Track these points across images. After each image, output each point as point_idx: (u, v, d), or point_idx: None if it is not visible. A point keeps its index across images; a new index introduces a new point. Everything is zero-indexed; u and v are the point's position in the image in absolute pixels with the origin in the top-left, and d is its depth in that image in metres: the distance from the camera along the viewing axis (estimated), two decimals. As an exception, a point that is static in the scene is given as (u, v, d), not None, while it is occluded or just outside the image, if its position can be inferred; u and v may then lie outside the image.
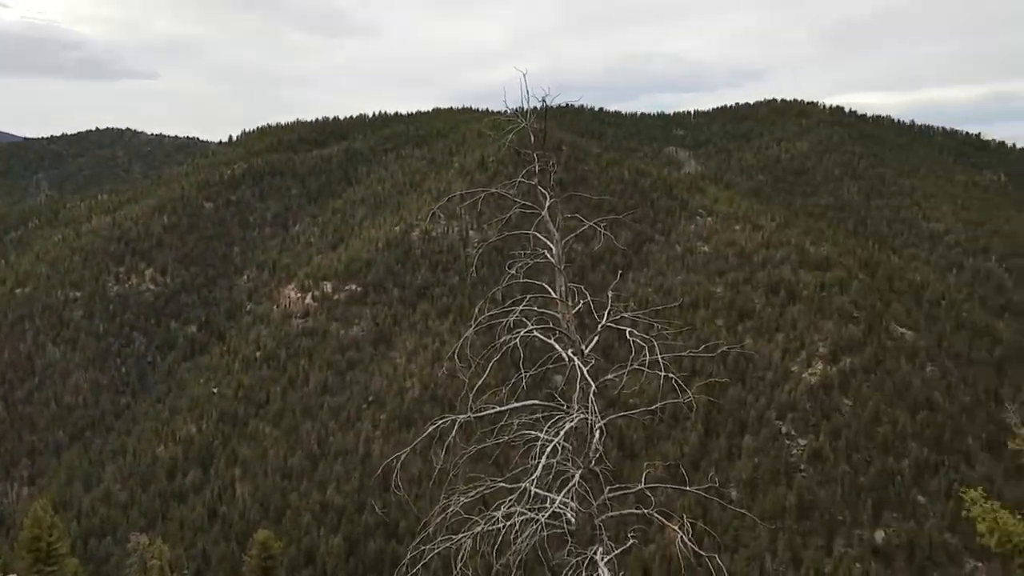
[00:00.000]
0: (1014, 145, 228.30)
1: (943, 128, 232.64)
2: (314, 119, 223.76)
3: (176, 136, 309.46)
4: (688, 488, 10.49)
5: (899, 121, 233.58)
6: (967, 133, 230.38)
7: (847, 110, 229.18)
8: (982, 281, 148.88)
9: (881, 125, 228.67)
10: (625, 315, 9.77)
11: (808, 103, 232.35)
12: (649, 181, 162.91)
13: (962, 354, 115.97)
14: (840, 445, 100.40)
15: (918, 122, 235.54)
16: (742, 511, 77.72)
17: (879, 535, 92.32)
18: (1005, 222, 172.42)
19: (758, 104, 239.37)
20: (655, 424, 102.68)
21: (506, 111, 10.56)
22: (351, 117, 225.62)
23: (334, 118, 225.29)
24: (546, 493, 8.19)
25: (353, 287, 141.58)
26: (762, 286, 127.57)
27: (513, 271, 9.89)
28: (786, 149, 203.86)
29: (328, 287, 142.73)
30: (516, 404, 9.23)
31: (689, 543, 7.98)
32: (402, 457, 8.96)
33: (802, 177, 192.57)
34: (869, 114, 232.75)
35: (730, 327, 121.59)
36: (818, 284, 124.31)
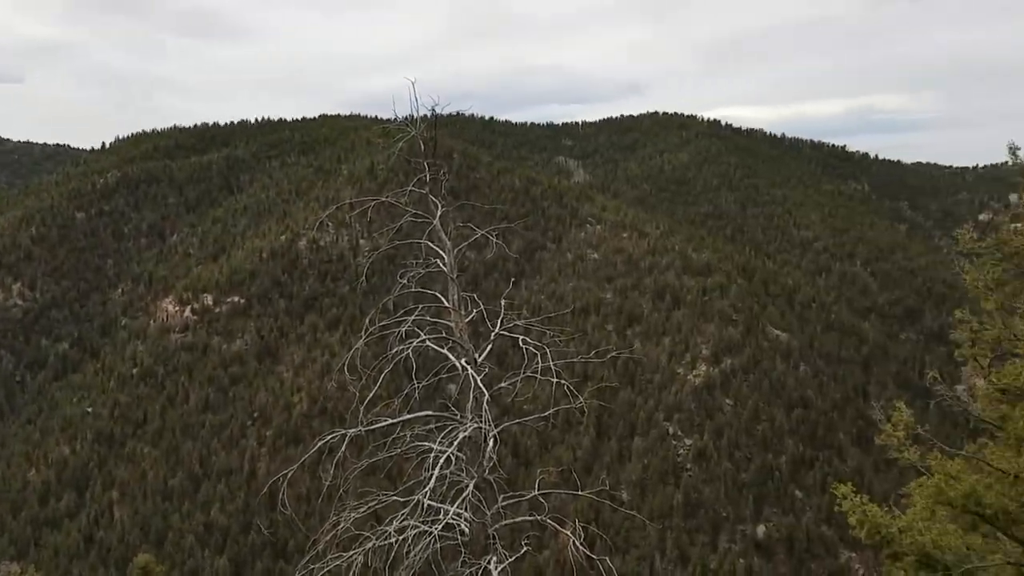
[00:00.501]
0: (876, 156, 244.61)
1: (811, 141, 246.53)
2: (193, 125, 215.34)
3: (45, 144, 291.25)
4: (580, 492, 10.58)
5: (771, 134, 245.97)
6: (833, 145, 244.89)
7: (724, 123, 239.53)
8: (848, 284, 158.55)
9: (754, 138, 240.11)
10: (518, 323, 9.79)
11: (688, 116, 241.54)
12: (540, 190, 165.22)
13: (832, 353, 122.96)
14: (723, 444, 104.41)
15: (788, 135, 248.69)
16: (632, 512, 79.56)
17: (760, 530, 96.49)
18: (868, 229, 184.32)
19: (642, 116, 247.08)
20: (549, 430, 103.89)
21: (395, 119, 10.40)
22: (232, 123, 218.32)
23: (214, 124, 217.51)
24: (440, 505, 8.07)
25: (236, 299, 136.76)
26: (649, 291, 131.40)
27: (404, 280, 9.75)
28: (668, 160, 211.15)
29: (209, 299, 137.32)
30: (408, 416, 9.08)
31: (581, 547, 8.02)
32: (288, 474, 8.65)
33: (683, 187, 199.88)
34: (744, 127, 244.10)
35: (620, 332, 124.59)
36: (700, 289, 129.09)
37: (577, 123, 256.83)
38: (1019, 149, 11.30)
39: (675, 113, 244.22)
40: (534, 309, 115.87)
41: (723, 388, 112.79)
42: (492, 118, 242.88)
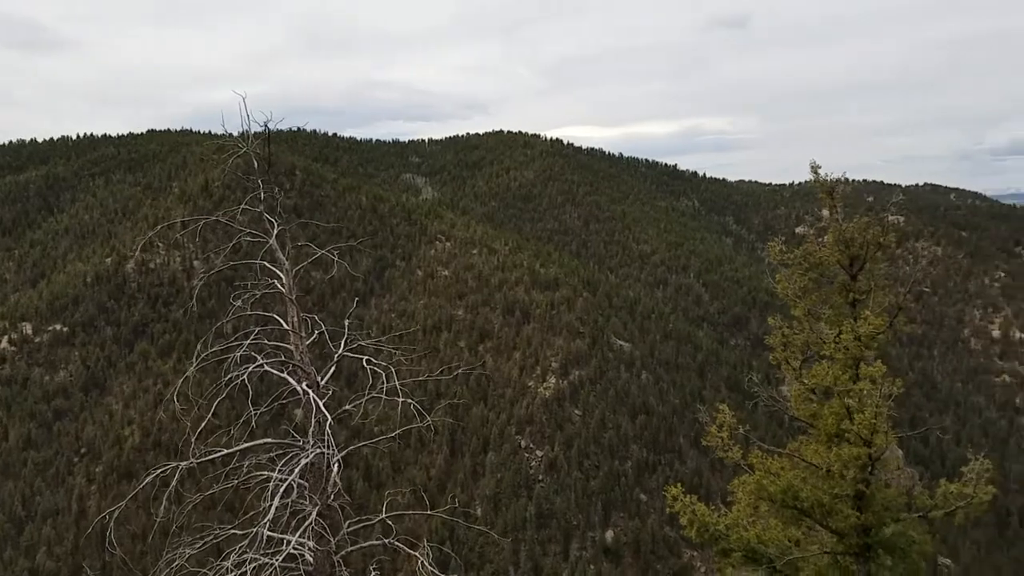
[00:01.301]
0: (704, 174, 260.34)
1: (646, 160, 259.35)
2: (7, 141, 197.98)
3: None
4: (430, 512, 10.54)
5: (610, 153, 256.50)
6: (666, 164, 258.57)
7: (566, 142, 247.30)
8: (684, 295, 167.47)
9: (595, 156, 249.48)
10: (362, 342, 9.66)
11: (532, 135, 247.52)
12: (388, 207, 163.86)
13: (671, 361, 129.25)
14: (573, 453, 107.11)
15: (626, 154, 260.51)
16: (484, 529, 79.90)
17: (609, 535, 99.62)
18: (700, 242, 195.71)
19: (487, 135, 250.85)
20: (401, 451, 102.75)
21: (228, 134, 10.04)
22: (52, 139, 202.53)
23: (31, 140, 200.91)
24: (281, 535, 7.80)
25: (58, 327, 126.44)
26: (499, 307, 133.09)
27: (239, 303, 9.40)
28: (514, 177, 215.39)
29: (28, 328, 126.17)
30: (246, 444, 8.74)
31: (430, 567, 8.01)
32: (116, 511, 8.11)
33: (530, 203, 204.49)
34: (584, 146, 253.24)
35: (472, 348, 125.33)
36: (549, 303, 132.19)
37: (424, 140, 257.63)
38: (820, 168, 12.43)
39: (519, 132, 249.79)
40: (384, 328, 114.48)
41: (572, 399, 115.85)
42: (336, 134, 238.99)
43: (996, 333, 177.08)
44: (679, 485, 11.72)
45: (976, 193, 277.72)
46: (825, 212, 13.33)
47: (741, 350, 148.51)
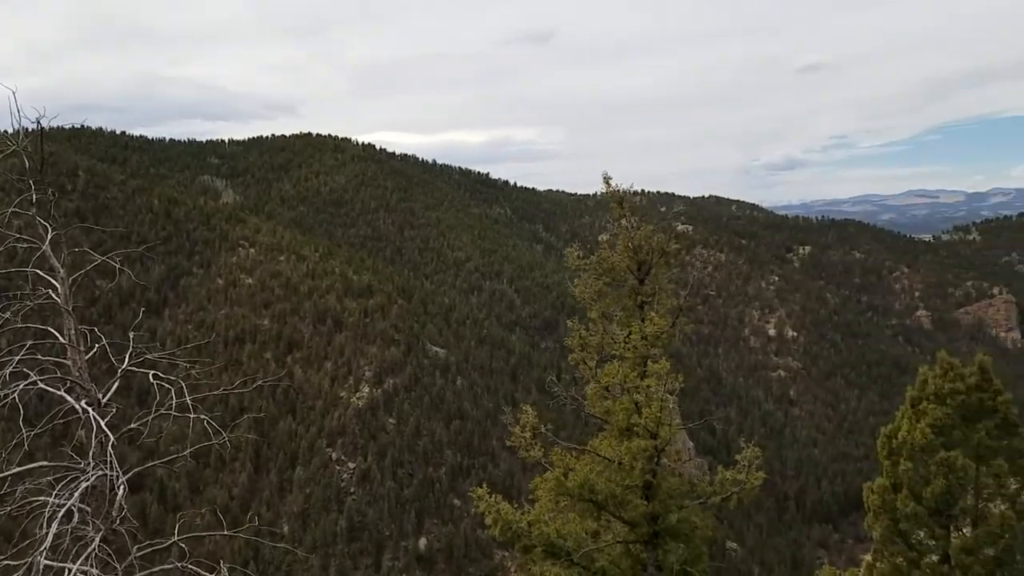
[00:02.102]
0: (515, 183, 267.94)
1: (460, 167, 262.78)
2: None
3: None
4: (228, 532, 10.06)
5: (423, 160, 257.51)
6: (478, 172, 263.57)
7: (379, 147, 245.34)
8: (497, 301, 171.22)
9: (409, 162, 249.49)
10: (149, 356, 9.07)
11: (343, 139, 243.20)
12: (184, 211, 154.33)
13: (485, 365, 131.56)
14: (386, 463, 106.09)
15: (439, 161, 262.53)
16: (290, 547, 77.27)
17: (422, 542, 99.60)
18: (512, 249, 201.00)
19: (294, 137, 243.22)
20: (200, 470, 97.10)
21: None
22: None
23: None
24: (61, 564, 7.19)
25: None
26: (309, 316, 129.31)
27: (8, 315, 8.55)
28: (324, 182, 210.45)
29: None
30: (18, 468, 7.98)
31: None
32: None
33: (341, 209, 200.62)
34: (398, 152, 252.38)
35: (279, 359, 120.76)
36: (362, 311, 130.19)
37: (224, 140, 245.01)
38: (611, 179, 13.27)
39: (329, 135, 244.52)
40: (180, 340, 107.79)
41: (386, 408, 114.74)
42: (124, 132, 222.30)
43: (772, 332, 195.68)
44: (485, 486, 12.02)
45: (754, 204, 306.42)
46: (623, 222, 14.17)
47: (552, 352, 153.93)
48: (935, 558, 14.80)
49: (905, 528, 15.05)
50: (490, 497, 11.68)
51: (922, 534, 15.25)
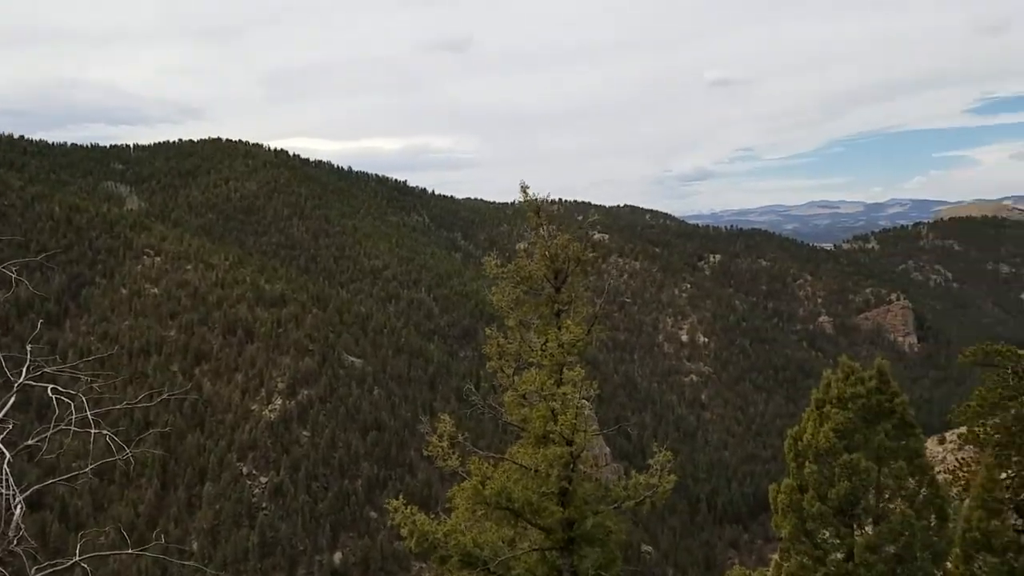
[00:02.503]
0: (433, 191, 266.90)
1: (376, 175, 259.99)
2: None
3: None
4: (132, 551, 9.61)
5: (338, 166, 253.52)
6: (396, 180, 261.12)
7: (291, 153, 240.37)
8: (415, 309, 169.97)
9: (323, 169, 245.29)
10: (48, 369, 8.60)
11: (254, 144, 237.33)
12: (86, 218, 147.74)
13: (403, 375, 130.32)
14: (300, 477, 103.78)
15: (356, 168, 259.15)
16: (199, 564, 74.59)
17: (337, 556, 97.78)
18: (430, 257, 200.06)
19: (203, 142, 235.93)
20: (104, 487, 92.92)
21: None
22: None
23: None
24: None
25: None
26: (219, 326, 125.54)
27: None
28: (235, 188, 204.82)
29: None
30: None
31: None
32: None
33: (252, 216, 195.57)
34: (312, 158, 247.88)
35: (186, 371, 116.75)
36: (275, 321, 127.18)
37: (128, 146, 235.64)
38: (528, 188, 13.34)
39: (240, 140, 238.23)
40: (82, 352, 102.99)
41: (300, 420, 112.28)
42: (23, 137, 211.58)
43: (684, 337, 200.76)
44: (401, 497, 11.87)
45: (667, 214, 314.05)
46: (542, 230, 14.25)
47: (471, 361, 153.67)
48: (840, 556, 15.37)
49: (811, 528, 15.58)
50: (406, 508, 11.53)
51: (827, 533, 15.81)
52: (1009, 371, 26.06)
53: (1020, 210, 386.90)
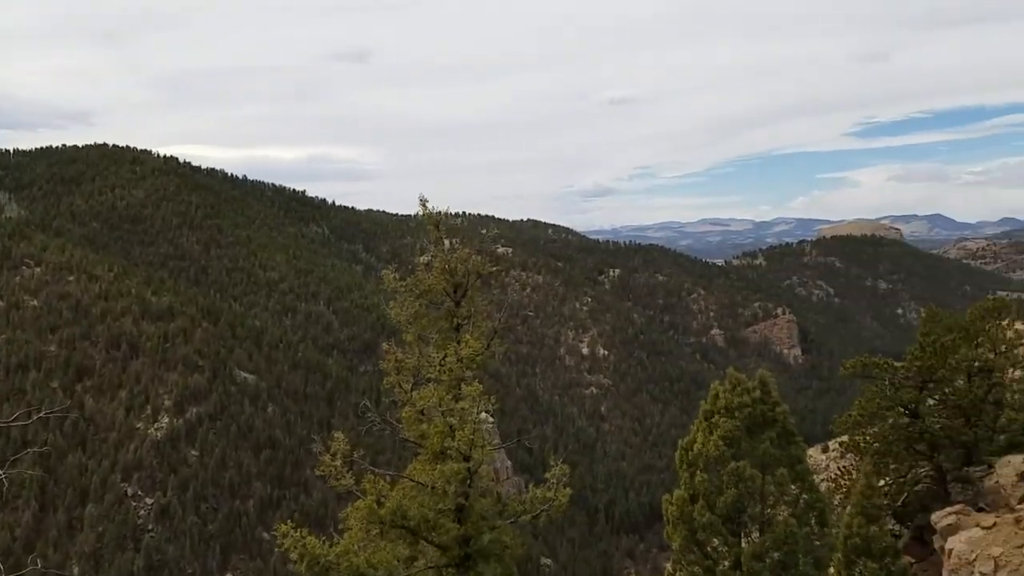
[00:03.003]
0: (334, 202, 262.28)
1: (273, 184, 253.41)
2: None
3: None
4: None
5: (232, 175, 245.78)
6: (294, 190, 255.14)
7: (182, 160, 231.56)
8: (313, 323, 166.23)
9: (216, 177, 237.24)
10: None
11: (142, 150, 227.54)
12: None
13: (299, 391, 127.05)
14: (188, 497, 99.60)
15: (251, 177, 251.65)
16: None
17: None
18: (330, 270, 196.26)
19: (88, 148, 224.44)
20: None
21: None
22: None
23: None
24: None
25: None
26: (102, 341, 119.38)
27: None
28: (121, 196, 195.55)
29: None
30: None
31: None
32: None
33: (139, 225, 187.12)
34: (204, 166, 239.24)
35: (67, 388, 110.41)
36: (161, 335, 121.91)
37: (8, 151, 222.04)
38: (428, 201, 13.26)
39: (127, 146, 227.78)
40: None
41: (188, 438, 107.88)
42: None
43: (585, 350, 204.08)
44: (296, 516, 11.54)
45: (569, 229, 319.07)
46: (447, 242, 14.17)
47: (371, 376, 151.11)
48: (728, 564, 15.84)
49: (702, 537, 16.00)
50: (295, 531, 11.17)
51: (717, 542, 16.27)
52: (886, 383, 27.58)
53: (897, 229, 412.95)
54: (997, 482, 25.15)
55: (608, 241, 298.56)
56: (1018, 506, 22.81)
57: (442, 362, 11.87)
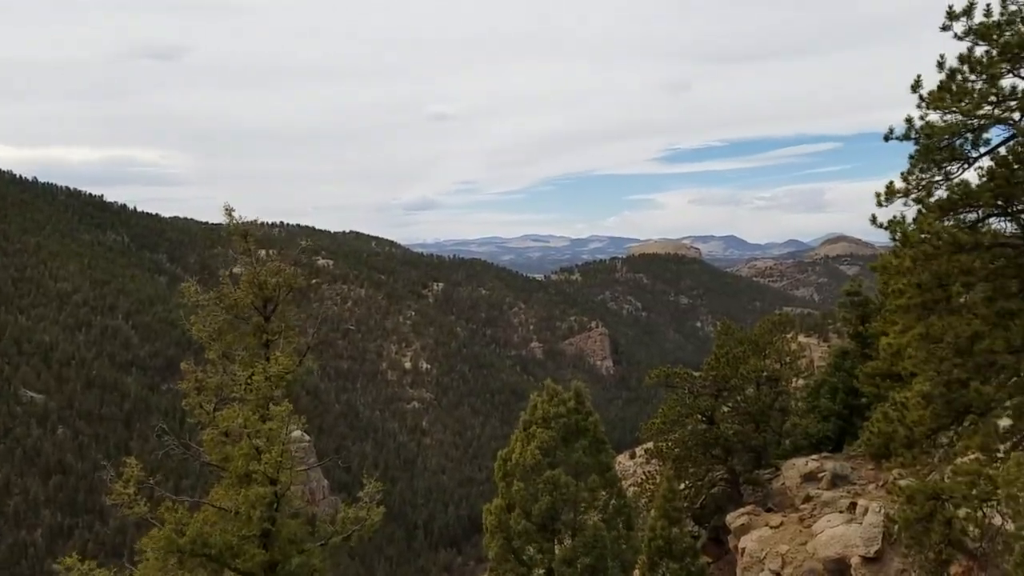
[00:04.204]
0: (135, 208, 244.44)
1: (67, 187, 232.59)
2: None
3: None
4: None
5: (20, 176, 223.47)
6: (91, 194, 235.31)
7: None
8: (110, 338, 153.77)
9: (2, 179, 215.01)
10: None
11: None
12: None
13: (93, 412, 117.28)
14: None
15: (42, 179, 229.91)
16: None
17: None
18: (130, 281, 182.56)
19: None
20: None
21: None
22: None
23: None
24: None
25: None
26: None
27: None
28: None
29: None
30: None
31: None
32: None
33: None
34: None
35: None
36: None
37: None
38: (234, 210, 12.65)
39: None
40: None
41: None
42: None
43: (408, 364, 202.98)
44: (75, 555, 10.54)
45: (392, 242, 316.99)
46: (263, 253, 13.58)
47: (175, 395, 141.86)
48: (542, 571, 16.24)
49: (517, 545, 16.31)
50: (82, 563, 10.24)
51: (532, 549, 16.65)
52: (686, 391, 29.52)
53: (697, 249, 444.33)
54: (784, 483, 27.55)
55: (432, 255, 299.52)
56: (802, 506, 25.07)
57: (248, 381, 11.30)
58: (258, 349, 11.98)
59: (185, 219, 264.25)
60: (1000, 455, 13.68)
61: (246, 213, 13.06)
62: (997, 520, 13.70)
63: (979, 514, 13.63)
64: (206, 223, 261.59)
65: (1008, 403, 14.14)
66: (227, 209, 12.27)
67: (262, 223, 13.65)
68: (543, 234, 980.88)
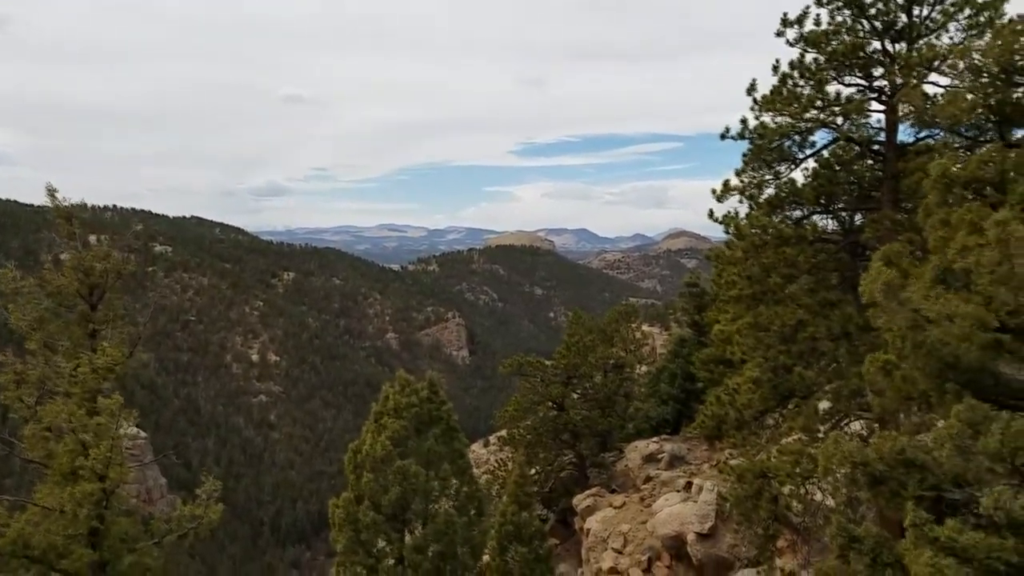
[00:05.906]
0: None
1: None
2: None
3: None
4: None
5: None
6: None
7: None
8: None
9: None
10: None
11: None
12: None
13: None
14: None
15: None
16: None
17: None
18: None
19: None
20: None
21: None
22: None
23: None
24: None
25: None
26: None
27: None
28: None
29: None
30: None
31: None
32: None
33: None
34: None
35: None
36: None
37: None
38: (57, 191, 11.72)
39: None
40: None
41: None
42: None
43: (255, 357, 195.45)
44: None
45: (239, 228, 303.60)
46: (92, 237, 12.66)
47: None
48: (392, 562, 16.14)
49: (366, 537, 16.13)
50: None
51: (381, 541, 16.51)
52: (538, 379, 30.20)
53: (551, 241, 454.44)
54: (627, 465, 28.74)
55: (282, 243, 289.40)
56: (643, 486, 26.23)
57: (73, 373, 10.52)
58: (84, 339, 11.17)
59: (9, 201, 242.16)
60: (820, 435, 14.87)
61: (74, 195, 12.12)
62: (818, 496, 14.86)
63: (802, 491, 14.75)
64: (32, 205, 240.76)
65: (828, 387, 15.39)
66: (50, 190, 11.35)
67: (92, 206, 12.72)
68: (400, 224, 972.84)
